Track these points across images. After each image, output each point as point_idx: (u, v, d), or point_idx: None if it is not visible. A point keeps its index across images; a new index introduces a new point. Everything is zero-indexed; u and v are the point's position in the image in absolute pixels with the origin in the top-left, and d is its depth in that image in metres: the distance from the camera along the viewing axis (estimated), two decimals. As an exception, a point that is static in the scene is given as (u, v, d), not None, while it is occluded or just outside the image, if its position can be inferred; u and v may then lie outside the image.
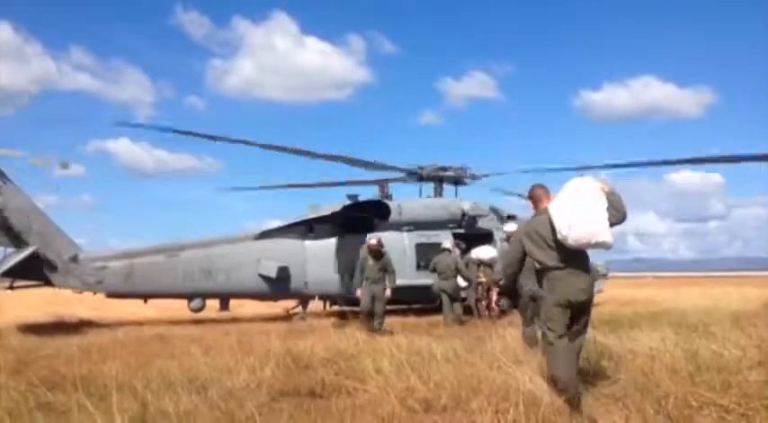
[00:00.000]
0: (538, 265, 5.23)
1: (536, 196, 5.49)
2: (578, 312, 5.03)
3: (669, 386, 5.04)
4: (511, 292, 9.41)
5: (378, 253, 11.70)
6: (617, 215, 4.98)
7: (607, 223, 4.90)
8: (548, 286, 5.10)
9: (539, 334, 6.57)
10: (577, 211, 4.87)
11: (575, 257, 5.02)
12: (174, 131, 14.47)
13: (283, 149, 15.15)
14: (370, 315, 11.34)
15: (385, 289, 11.55)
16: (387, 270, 11.71)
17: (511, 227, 10.52)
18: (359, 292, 11.63)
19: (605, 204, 4.93)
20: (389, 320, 11.70)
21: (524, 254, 5.34)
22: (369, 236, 12.52)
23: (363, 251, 11.81)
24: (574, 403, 4.66)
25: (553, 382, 4.84)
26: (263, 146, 15.01)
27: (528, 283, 7.45)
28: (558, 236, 4.94)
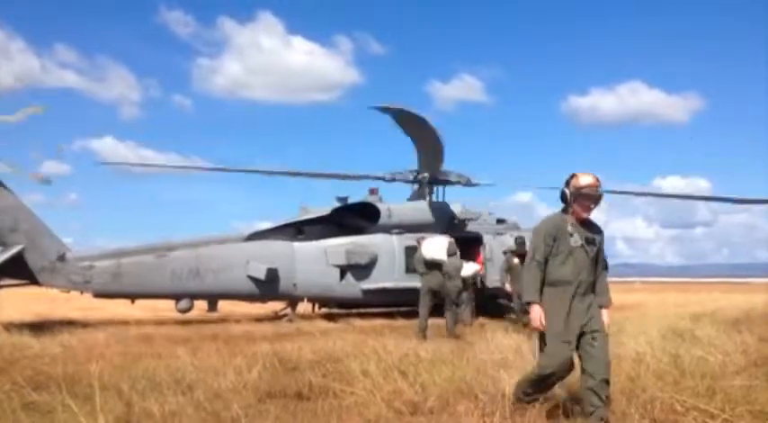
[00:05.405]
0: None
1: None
2: (439, 295, 11.15)
3: (655, 391, 5.07)
4: None
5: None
6: (449, 251, 11.18)
7: (445, 253, 11.16)
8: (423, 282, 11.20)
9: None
10: (432, 247, 11.26)
11: (433, 267, 11.10)
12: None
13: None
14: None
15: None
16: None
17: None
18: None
19: (446, 246, 11.22)
20: (375, 323, 11.49)
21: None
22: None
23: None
24: None
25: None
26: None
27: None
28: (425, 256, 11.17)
